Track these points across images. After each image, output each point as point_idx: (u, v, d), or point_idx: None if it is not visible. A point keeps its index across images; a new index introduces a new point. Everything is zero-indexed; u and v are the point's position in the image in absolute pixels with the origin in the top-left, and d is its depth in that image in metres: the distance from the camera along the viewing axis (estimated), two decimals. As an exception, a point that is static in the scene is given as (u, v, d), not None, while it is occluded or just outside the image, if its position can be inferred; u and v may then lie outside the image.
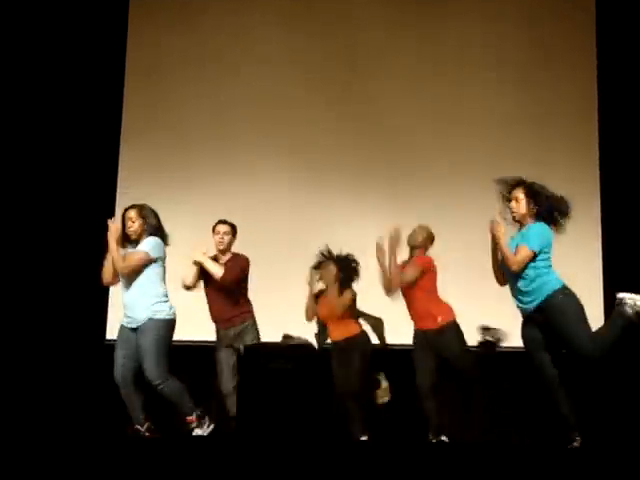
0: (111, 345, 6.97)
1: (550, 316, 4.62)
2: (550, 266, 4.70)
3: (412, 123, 7.54)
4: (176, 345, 6.79)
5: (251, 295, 6.17)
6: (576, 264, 6.72)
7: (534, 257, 4.61)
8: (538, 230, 4.67)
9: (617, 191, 7.29)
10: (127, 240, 5.37)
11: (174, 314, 5.32)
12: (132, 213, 5.34)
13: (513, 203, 4.73)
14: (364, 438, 5.88)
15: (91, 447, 4.37)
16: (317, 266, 6.12)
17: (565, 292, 4.66)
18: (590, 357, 4.63)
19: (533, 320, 4.74)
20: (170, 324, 5.28)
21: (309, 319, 6.10)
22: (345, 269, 6.12)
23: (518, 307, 4.82)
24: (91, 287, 7.12)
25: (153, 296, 5.25)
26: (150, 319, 5.20)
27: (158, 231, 5.35)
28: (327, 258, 6.17)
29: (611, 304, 5.97)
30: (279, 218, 7.39)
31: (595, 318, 6.55)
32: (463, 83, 7.54)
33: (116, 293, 7.13)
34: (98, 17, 7.55)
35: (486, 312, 6.29)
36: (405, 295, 5.71)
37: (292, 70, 7.62)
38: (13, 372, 6.88)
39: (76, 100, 7.43)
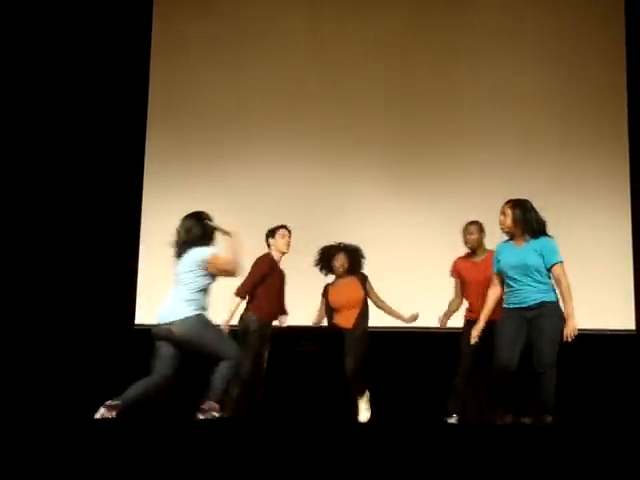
0: (140, 330, 7.16)
1: (536, 318, 4.94)
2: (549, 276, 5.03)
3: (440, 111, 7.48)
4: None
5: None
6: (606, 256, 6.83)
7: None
8: (551, 244, 5.01)
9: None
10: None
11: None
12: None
13: (501, 217, 5.05)
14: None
15: (116, 433, 4.40)
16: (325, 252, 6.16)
17: (556, 306, 4.99)
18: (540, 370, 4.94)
19: (520, 315, 4.99)
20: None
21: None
22: (355, 260, 6.21)
23: (511, 304, 5.06)
24: (120, 273, 7.23)
25: None
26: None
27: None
28: (339, 249, 6.23)
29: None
30: (307, 206, 7.37)
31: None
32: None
33: (145, 280, 7.26)
34: (123, 4, 7.59)
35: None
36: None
37: (318, 56, 7.59)
38: (44, 358, 6.97)
39: (101, 87, 7.48)
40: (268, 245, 6.10)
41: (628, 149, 7.25)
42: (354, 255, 6.22)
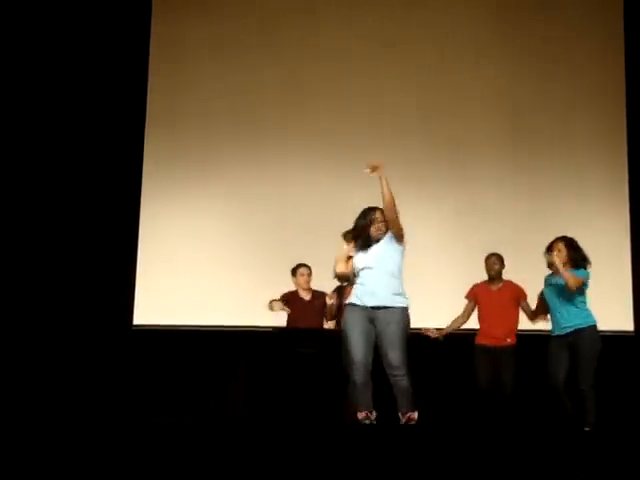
0: (138, 330, 7.16)
1: (576, 342, 5.50)
2: (586, 303, 5.61)
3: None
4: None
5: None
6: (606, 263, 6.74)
7: (582, 286, 5.56)
8: (584, 272, 5.60)
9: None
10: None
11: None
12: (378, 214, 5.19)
13: (556, 252, 5.57)
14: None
15: (116, 432, 4.40)
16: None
17: (595, 329, 5.54)
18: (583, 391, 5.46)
19: (564, 340, 5.55)
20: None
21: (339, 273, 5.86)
22: None
23: (555, 331, 5.60)
24: (118, 273, 7.22)
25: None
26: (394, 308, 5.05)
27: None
28: None
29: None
30: (307, 205, 7.36)
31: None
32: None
33: (143, 280, 7.25)
34: (122, 6, 7.56)
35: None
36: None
37: (319, 59, 7.57)
38: (42, 358, 6.94)
39: (100, 89, 7.45)
40: (294, 283, 6.43)
41: (627, 153, 7.21)
42: None
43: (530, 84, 7.32)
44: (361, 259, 5.11)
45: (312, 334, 5.70)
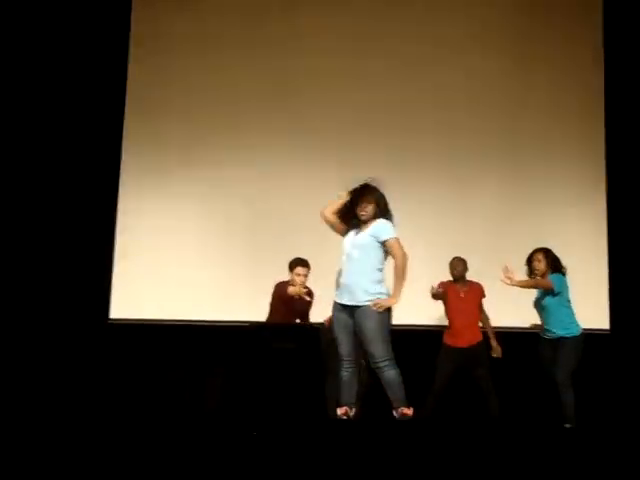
0: (115, 324, 7.11)
1: (560, 349, 5.92)
2: (570, 309, 6.00)
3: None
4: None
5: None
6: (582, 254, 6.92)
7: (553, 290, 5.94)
8: (555, 276, 6.01)
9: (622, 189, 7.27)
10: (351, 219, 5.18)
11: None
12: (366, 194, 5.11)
13: (536, 263, 6.02)
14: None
15: (97, 427, 4.37)
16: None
17: (576, 339, 5.92)
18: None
19: (550, 344, 5.97)
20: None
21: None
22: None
23: (545, 335, 6.01)
24: (95, 267, 7.17)
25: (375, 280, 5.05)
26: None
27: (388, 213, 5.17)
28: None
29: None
30: (291, 200, 7.33)
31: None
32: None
33: (120, 274, 7.20)
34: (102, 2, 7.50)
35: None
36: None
37: (301, 52, 7.53)
38: (18, 352, 6.87)
39: (79, 86, 7.35)
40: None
41: (605, 153, 7.27)
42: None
43: (515, 87, 7.37)
44: (348, 242, 5.10)
45: (290, 329, 5.68)
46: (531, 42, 7.40)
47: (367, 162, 6.85)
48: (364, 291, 4.97)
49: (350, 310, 5.02)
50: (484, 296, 6.36)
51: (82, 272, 7.12)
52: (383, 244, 5.02)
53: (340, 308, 5.07)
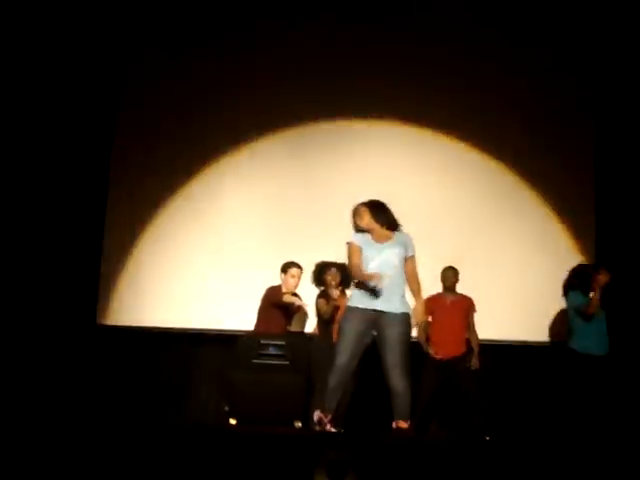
0: (105, 327, 7.09)
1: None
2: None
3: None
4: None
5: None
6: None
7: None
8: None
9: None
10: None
11: None
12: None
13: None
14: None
15: (85, 430, 4.37)
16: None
17: None
18: None
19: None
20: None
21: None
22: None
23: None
24: (83, 270, 7.14)
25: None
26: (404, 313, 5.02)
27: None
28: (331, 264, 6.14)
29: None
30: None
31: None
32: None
33: (107, 276, 7.19)
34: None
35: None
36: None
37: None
38: (5, 354, 6.83)
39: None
40: (281, 277, 6.16)
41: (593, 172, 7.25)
42: (345, 270, 5.94)
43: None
44: (374, 263, 5.04)
45: (281, 339, 5.66)
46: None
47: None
48: (398, 296, 5.00)
49: (373, 315, 4.98)
50: (474, 310, 6.35)
51: (71, 276, 7.09)
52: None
53: (360, 313, 5.01)
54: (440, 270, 6.43)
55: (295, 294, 6.12)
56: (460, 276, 6.41)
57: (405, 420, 4.92)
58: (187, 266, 7.11)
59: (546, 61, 7.23)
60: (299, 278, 6.13)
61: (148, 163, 7.32)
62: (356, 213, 5.18)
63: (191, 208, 7.23)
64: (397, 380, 4.89)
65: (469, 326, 6.32)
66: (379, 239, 5.09)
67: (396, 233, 5.14)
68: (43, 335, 6.87)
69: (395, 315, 4.95)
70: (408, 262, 5.09)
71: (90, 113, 7.33)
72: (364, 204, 5.18)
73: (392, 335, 4.93)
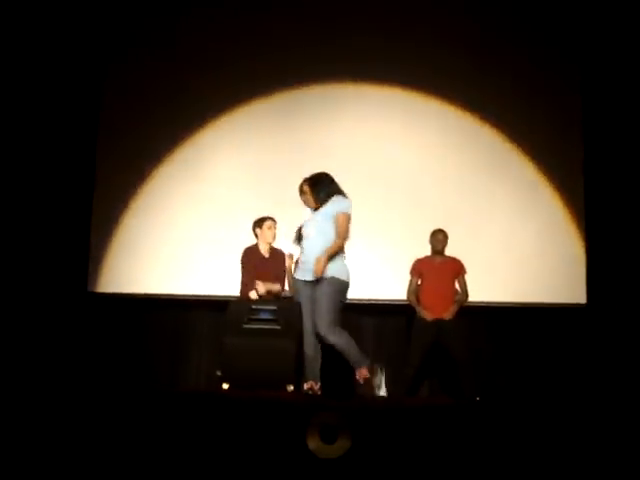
0: (96, 295, 7.10)
1: None
2: None
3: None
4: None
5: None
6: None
7: None
8: None
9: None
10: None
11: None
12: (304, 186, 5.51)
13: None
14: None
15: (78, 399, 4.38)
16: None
17: None
18: None
19: None
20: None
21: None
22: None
23: None
24: (73, 239, 7.13)
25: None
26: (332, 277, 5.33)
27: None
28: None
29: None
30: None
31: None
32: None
33: (96, 246, 7.18)
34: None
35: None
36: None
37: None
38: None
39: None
40: (255, 235, 6.19)
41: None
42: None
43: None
44: (305, 225, 5.48)
45: (272, 304, 5.67)
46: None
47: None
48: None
49: (310, 284, 5.36)
50: (465, 272, 6.33)
51: (60, 244, 7.07)
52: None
53: (301, 283, 5.43)
54: (427, 232, 6.44)
55: (273, 248, 6.17)
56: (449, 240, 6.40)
57: (365, 367, 5.32)
58: (177, 233, 7.11)
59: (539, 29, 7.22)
60: (275, 229, 6.18)
61: (136, 130, 7.27)
62: (299, 190, 5.55)
63: (179, 175, 7.21)
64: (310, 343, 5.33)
65: (461, 287, 6.34)
66: (314, 210, 5.50)
67: (328, 202, 5.41)
68: (35, 304, 6.88)
69: (319, 279, 5.30)
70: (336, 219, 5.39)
71: (76, 80, 7.25)
72: (306, 181, 5.52)
73: (315, 296, 5.32)
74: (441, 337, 6.24)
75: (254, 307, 5.49)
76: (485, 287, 6.65)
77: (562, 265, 6.91)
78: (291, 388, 5.13)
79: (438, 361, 6.57)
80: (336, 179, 5.52)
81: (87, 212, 7.22)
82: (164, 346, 7.07)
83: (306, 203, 5.53)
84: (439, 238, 6.37)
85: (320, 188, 5.45)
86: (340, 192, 5.47)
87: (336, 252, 5.35)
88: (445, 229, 6.41)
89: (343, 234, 5.38)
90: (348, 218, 5.40)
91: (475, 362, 6.48)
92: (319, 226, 5.39)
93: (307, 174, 5.59)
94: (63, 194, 7.12)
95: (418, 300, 6.33)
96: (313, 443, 3.94)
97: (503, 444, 4.01)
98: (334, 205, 5.40)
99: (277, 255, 6.17)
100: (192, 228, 7.11)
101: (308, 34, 7.30)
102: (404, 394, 6.18)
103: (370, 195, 6.93)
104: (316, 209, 5.46)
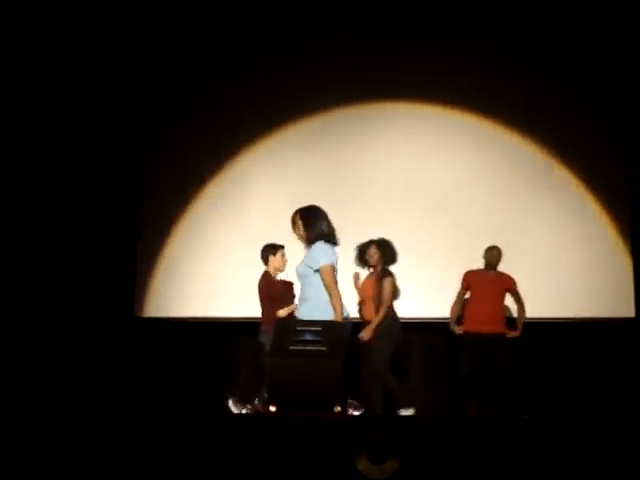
0: (142, 319, 7.18)
1: None
2: None
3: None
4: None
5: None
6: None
7: None
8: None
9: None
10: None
11: None
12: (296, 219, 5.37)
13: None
14: (408, 412, 6.10)
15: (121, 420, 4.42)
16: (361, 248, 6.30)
17: None
18: None
19: None
20: None
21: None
22: (387, 253, 6.27)
23: None
24: (120, 265, 7.23)
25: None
26: None
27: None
28: (370, 242, 6.31)
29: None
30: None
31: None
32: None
33: (143, 270, 7.27)
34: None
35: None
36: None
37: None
38: (44, 345, 6.91)
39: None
40: (266, 260, 6.21)
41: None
42: (385, 248, 6.28)
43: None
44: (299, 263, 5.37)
45: (317, 325, 5.68)
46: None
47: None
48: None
49: None
50: (516, 287, 6.35)
51: (107, 269, 7.17)
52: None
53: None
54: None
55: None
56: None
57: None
58: (220, 256, 7.20)
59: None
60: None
61: (180, 158, 7.42)
62: (292, 221, 5.38)
63: (222, 198, 7.31)
64: None
65: (517, 302, 6.36)
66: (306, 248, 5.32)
67: (313, 247, 5.26)
68: (83, 329, 6.98)
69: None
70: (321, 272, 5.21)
71: (123, 109, 7.41)
72: (298, 213, 5.35)
73: None
74: (490, 353, 6.22)
75: (299, 328, 5.50)
76: (531, 302, 6.57)
77: (610, 279, 6.86)
78: (338, 409, 5.12)
79: (485, 378, 6.52)
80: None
81: (133, 238, 7.33)
82: (210, 369, 7.11)
83: (297, 235, 5.40)
84: (493, 254, 6.42)
85: (309, 227, 5.30)
86: (328, 235, 5.30)
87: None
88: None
89: (330, 289, 5.22)
90: (332, 269, 5.22)
91: (522, 378, 6.42)
92: (305, 271, 5.28)
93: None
94: (110, 221, 7.26)
95: (462, 312, 6.34)
96: (362, 464, 3.93)
97: (552, 462, 3.97)
98: (319, 253, 5.23)
99: (288, 286, 6.17)
100: (234, 251, 7.18)
101: (341, 61, 7.37)
102: (453, 411, 6.17)
103: (414, 214, 6.99)
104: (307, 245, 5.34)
